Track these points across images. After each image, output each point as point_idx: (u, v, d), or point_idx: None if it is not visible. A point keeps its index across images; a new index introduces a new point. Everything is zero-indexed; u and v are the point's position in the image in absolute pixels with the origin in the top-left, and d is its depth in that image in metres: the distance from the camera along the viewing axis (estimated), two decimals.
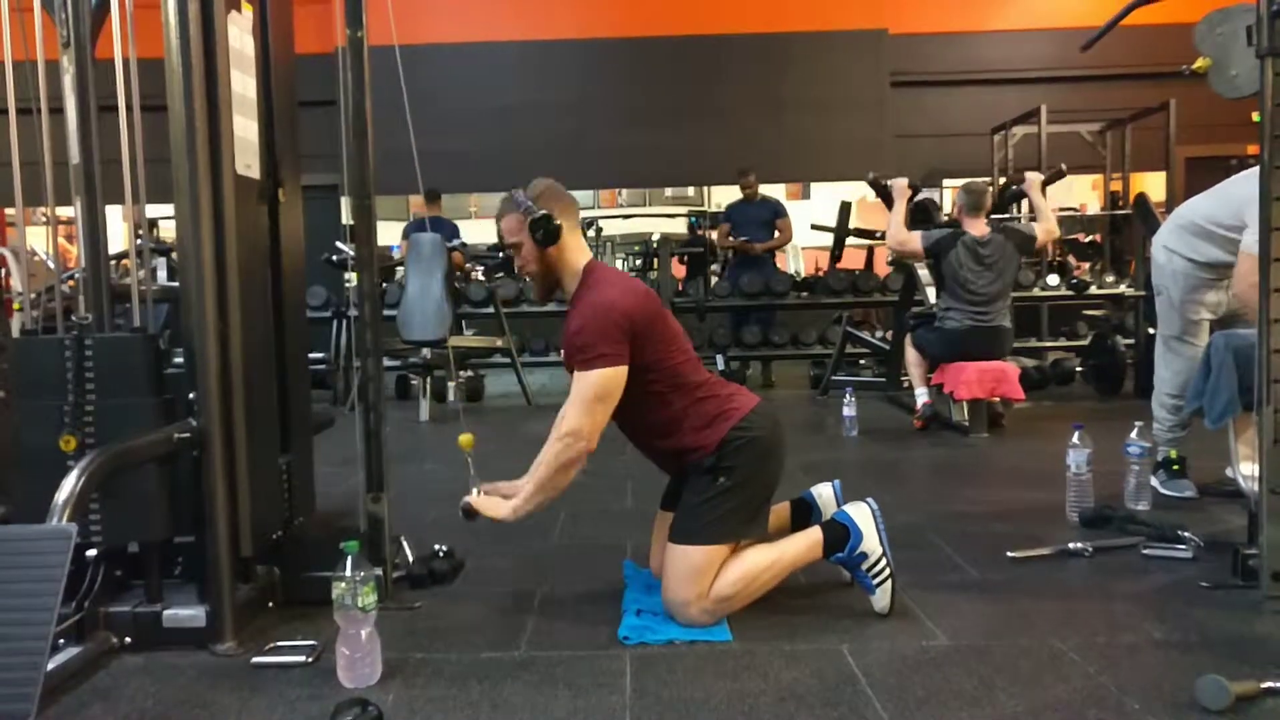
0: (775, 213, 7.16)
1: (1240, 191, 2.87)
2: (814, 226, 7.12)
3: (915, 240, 4.72)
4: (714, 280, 7.31)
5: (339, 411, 5.41)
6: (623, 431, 2.30)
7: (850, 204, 6.33)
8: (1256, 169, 2.71)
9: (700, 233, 8.64)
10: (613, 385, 2.11)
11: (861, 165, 7.67)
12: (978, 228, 4.61)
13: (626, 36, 8.61)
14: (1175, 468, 3.26)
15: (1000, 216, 4.83)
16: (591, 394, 2.10)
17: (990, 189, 4.75)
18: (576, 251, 2.24)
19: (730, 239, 7.17)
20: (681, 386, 2.19)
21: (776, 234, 7.13)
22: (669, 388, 2.18)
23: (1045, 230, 4.78)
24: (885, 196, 5.09)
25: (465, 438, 2.35)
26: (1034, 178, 4.96)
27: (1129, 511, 2.99)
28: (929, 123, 8.32)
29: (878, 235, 6.98)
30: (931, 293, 4.98)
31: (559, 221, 2.17)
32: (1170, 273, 3.22)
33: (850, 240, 7.18)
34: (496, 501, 2.22)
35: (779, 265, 7.38)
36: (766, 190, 7.37)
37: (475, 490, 2.26)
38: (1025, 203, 5.91)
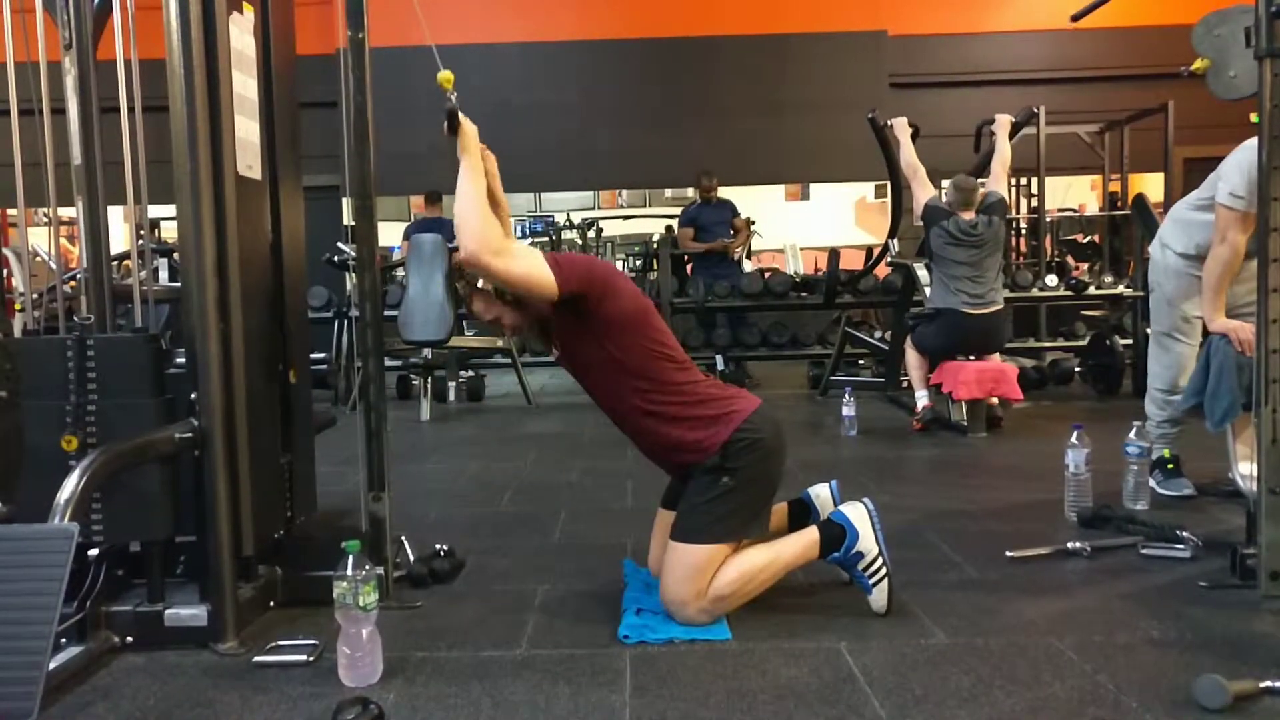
0: (733, 213, 7.28)
1: (1223, 164, 2.89)
2: (803, 277, 7.11)
3: (924, 193, 4.78)
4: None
5: (340, 411, 5.42)
6: (625, 434, 2.31)
7: (839, 252, 6.41)
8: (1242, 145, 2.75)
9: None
10: (536, 281, 2.08)
11: (861, 167, 7.70)
12: (967, 216, 4.65)
13: (627, 38, 8.61)
14: (1170, 466, 3.27)
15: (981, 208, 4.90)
16: (522, 265, 2.09)
17: (979, 184, 4.79)
18: None
19: (694, 243, 7.17)
20: (677, 389, 2.19)
21: (733, 233, 7.24)
22: (662, 391, 2.18)
23: (999, 171, 4.89)
24: (884, 138, 5.20)
25: (444, 75, 2.20)
26: (1004, 119, 5.05)
27: (1128, 511, 3.00)
28: (927, 123, 8.24)
29: (869, 261, 6.96)
30: (929, 290, 4.99)
31: None
32: (1164, 268, 3.24)
33: (851, 237, 7.17)
34: (476, 147, 2.19)
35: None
36: (766, 191, 7.37)
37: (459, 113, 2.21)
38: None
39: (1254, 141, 2.71)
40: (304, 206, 2.63)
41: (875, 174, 6.77)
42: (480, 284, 2.24)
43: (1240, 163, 2.79)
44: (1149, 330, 3.52)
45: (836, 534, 2.20)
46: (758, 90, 8.59)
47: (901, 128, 5.02)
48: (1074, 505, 2.98)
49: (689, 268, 7.72)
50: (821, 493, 2.50)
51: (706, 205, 7.25)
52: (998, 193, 4.83)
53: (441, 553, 2.60)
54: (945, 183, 5.24)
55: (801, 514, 2.48)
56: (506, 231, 2.27)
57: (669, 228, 9.62)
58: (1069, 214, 8.75)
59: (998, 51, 8.59)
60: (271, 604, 2.32)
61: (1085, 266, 7.38)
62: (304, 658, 2.00)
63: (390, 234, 7.74)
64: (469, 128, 2.20)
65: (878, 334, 6.61)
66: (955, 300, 4.62)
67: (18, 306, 2.60)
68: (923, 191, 4.82)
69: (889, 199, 6.19)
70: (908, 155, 4.95)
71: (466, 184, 2.15)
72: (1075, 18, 3.15)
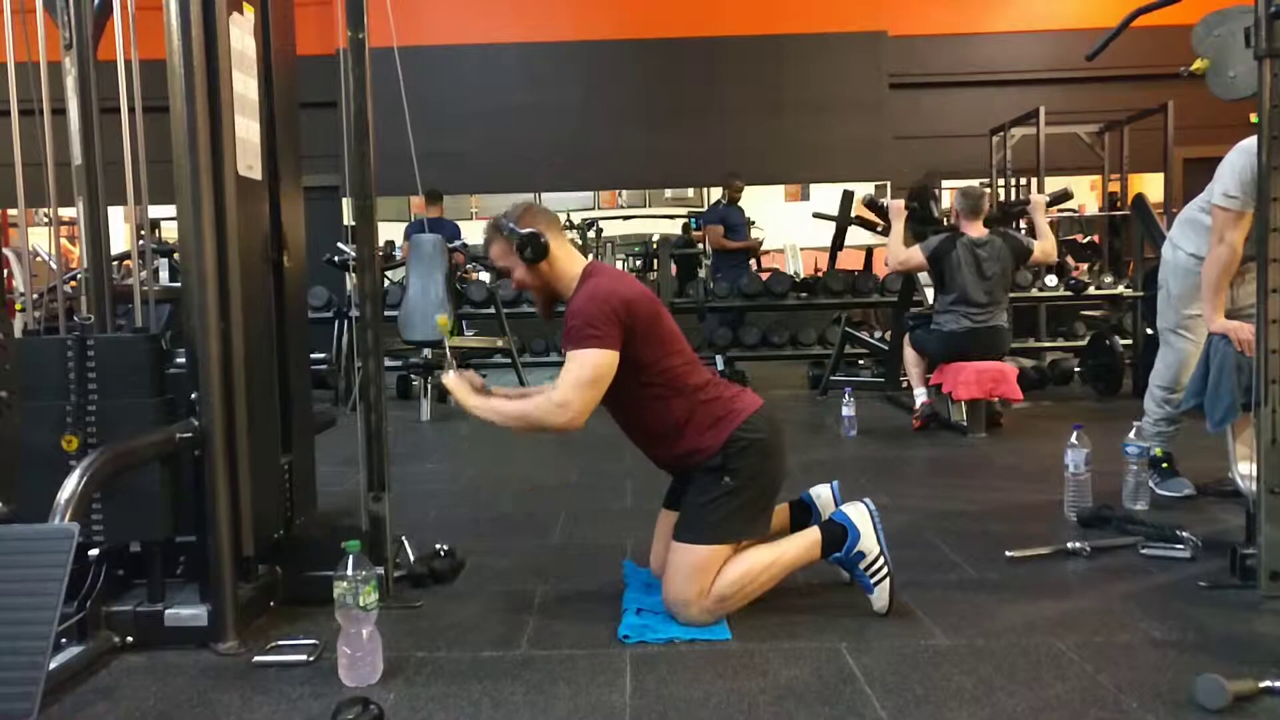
0: (748, 217, 7.60)
1: (1220, 165, 2.89)
2: (815, 215, 7.17)
3: (916, 254, 4.75)
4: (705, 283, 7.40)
5: (340, 411, 5.42)
6: (629, 437, 2.31)
7: (853, 193, 6.32)
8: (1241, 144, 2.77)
9: (695, 234, 8.72)
10: (604, 368, 2.11)
11: (861, 167, 7.71)
12: (975, 229, 4.63)
13: (626, 39, 8.62)
14: (1165, 466, 3.27)
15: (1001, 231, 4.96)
16: (584, 374, 2.10)
17: (987, 192, 4.76)
18: (568, 260, 2.27)
19: (727, 240, 7.36)
20: (682, 389, 2.19)
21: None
22: (669, 390, 2.19)
23: (1043, 250, 4.81)
24: (883, 216, 5.15)
25: (441, 319, 2.37)
26: (1039, 200, 5.04)
27: (1127, 511, 3.00)
28: (927, 124, 8.32)
29: (878, 230, 6.97)
30: (930, 293, 4.99)
31: (544, 236, 2.20)
32: (1173, 267, 3.24)
33: (851, 238, 7.20)
34: (467, 389, 2.26)
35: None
36: (766, 191, 7.44)
37: (450, 370, 2.31)
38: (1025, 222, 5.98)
39: (1247, 143, 2.73)
40: (304, 206, 2.63)
41: (875, 174, 6.78)
42: (504, 232, 2.23)
43: (1233, 164, 2.80)
44: (1149, 329, 3.56)
45: (838, 534, 2.20)
46: (757, 90, 8.59)
47: (896, 211, 4.89)
48: (1074, 505, 2.98)
49: (705, 267, 7.83)
50: (822, 493, 2.50)
51: (733, 206, 7.47)
52: (1030, 244, 4.76)
53: (441, 553, 2.60)
54: (946, 183, 5.25)
55: (802, 514, 2.48)
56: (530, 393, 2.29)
57: (686, 226, 9.69)
58: (1069, 214, 8.75)
59: (998, 51, 8.60)
60: (271, 604, 2.32)
61: (1085, 267, 7.38)
62: (304, 658, 2.00)
63: (389, 234, 7.74)
64: (456, 388, 2.26)
65: (877, 334, 6.62)
66: (957, 325, 4.62)
67: (18, 306, 2.59)
68: (913, 252, 4.75)
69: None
70: (894, 246, 4.84)
71: (493, 415, 2.20)
72: (1089, 57, 3.17)
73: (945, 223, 5.22)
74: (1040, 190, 6.74)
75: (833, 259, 6.63)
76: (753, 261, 7.83)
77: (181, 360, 2.18)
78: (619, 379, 2.17)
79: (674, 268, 7.66)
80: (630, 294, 2.15)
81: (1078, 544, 2.65)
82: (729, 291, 6.73)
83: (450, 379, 2.29)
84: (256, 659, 2.02)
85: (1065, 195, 5.30)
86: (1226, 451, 2.66)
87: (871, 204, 5.18)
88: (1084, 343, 6.21)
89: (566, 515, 3.24)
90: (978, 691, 1.80)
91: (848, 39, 8.53)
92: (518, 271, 2.25)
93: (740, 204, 7.53)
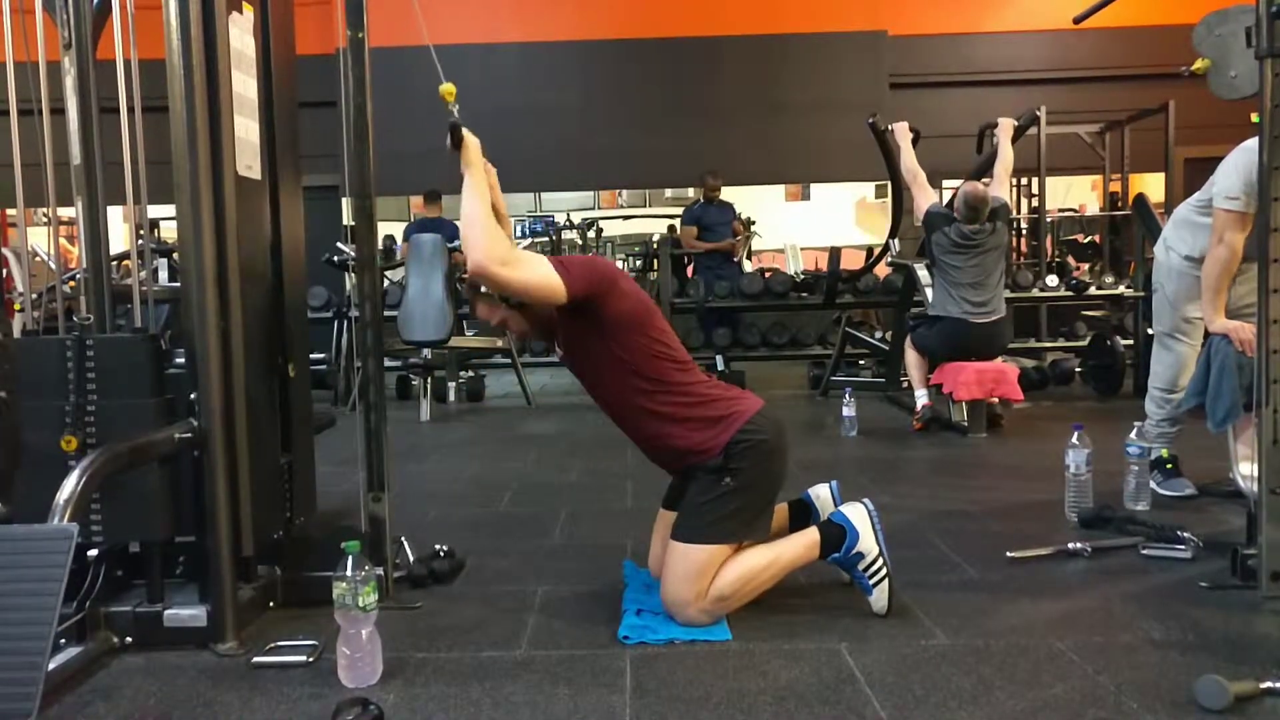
0: (734, 214, 7.42)
1: (1221, 166, 2.89)
2: (803, 274, 7.12)
3: (925, 198, 4.80)
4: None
5: (340, 411, 5.42)
6: (630, 438, 2.30)
7: (840, 250, 6.40)
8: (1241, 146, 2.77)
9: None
10: (547, 281, 2.07)
11: (861, 166, 7.69)
12: (973, 228, 4.65)
13: (627, 38, 8.61)
14: (1169, 466, 3.27)
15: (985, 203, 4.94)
16: (535, 267, 2.09)
17: (989, 197, 4.78)
18: None
19: (699, 241, 7.24)
20: (675, 387, 2.19)
21: (734, 235, 7.41)
22: (662, 388, 2.18)
23: (1001, 175, 4.91)
24: (884, 143, 5.22)
25: (447, 88, 2.19)
26: (1006, 122, 5.09)
27: (1128, 511, 3.00)
28: (928, 124, 8.25)
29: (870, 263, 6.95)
30: (930, 293, 4.99)
31: None
32: (1167, 269, 3.24)
33: (850, 237, 7.16)
34: (480, 158, 2.18)
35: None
36: (766, 191, 7.39)
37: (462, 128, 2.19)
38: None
39: (1248, 143, 2.73)
40: (303, 206, 2.62)
41: (875, 174, 6.77)
42: (483, 289, 2.23)
43: (1236, 165, 2.79)
44: (1150, 330, 3.56)
45: (836, 534, 2.20)
46: (758, 90, 8.58)
47: (902, 133, 5.00)
48: (1074, 506, 2.98)
49: (690, 268, 7.74)
50: (822, 493, 2.50)
51: (710, 205, 7.32)
52: (1001, 198, 4.82)
53: (441, 553, 2.60)
54: (947, 182, 5.24)
55: (802, 514, 2.47)
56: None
57: (672, 227, 9.64)
58: (1069, 214, 8.76)
59: (998, 51, 8.59)
60: (271, 604, 2.32)
61: (1086, 267, 7.39)
62: (303, 658, 2.00)
63: (388, 233, 7.75)
64: (472, 141, 2.19)
65: (878, 334, 6.61)
66: (957, 309, 4.62)
67: (17, 307, 2.59)
68: (923, 197, 4.81)
69: (889, 199, 6.19)
70: (908, 161, 4.95)
71: (471, 198, 2.13)
72: (1078, 20, 3.15)
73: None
74: (1042, 192, 6.74)
75: (830, 302, 6.54)
76: (748, 263, 7.75)
77: (181, 360, 2.18)
78: (617, 381, 2.17)
79: None
80: (619, 274, 2.20)
81: (1078, 544, 2.64)
82: (728, 291, 6.72)
83: (471, 147, 2.17)
84: (256, 660, 2.01)
85: (1034, 118, 5.40)
86: (1228, 452, 2.66)
87: (875, 127, 5.20)
88: (1085, 343, 6.21)
89: (566, 515, 3.24)
90: (977, 691, 1.79)
91: (848, 39, 8.53)
92: (512, 322, 2.29)
93: (722, 202, 7.35)
